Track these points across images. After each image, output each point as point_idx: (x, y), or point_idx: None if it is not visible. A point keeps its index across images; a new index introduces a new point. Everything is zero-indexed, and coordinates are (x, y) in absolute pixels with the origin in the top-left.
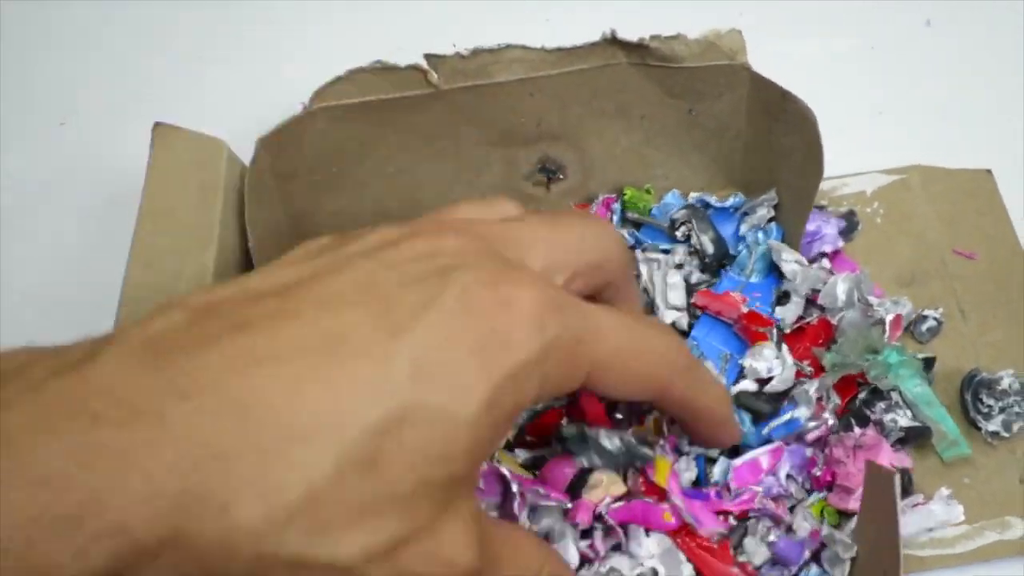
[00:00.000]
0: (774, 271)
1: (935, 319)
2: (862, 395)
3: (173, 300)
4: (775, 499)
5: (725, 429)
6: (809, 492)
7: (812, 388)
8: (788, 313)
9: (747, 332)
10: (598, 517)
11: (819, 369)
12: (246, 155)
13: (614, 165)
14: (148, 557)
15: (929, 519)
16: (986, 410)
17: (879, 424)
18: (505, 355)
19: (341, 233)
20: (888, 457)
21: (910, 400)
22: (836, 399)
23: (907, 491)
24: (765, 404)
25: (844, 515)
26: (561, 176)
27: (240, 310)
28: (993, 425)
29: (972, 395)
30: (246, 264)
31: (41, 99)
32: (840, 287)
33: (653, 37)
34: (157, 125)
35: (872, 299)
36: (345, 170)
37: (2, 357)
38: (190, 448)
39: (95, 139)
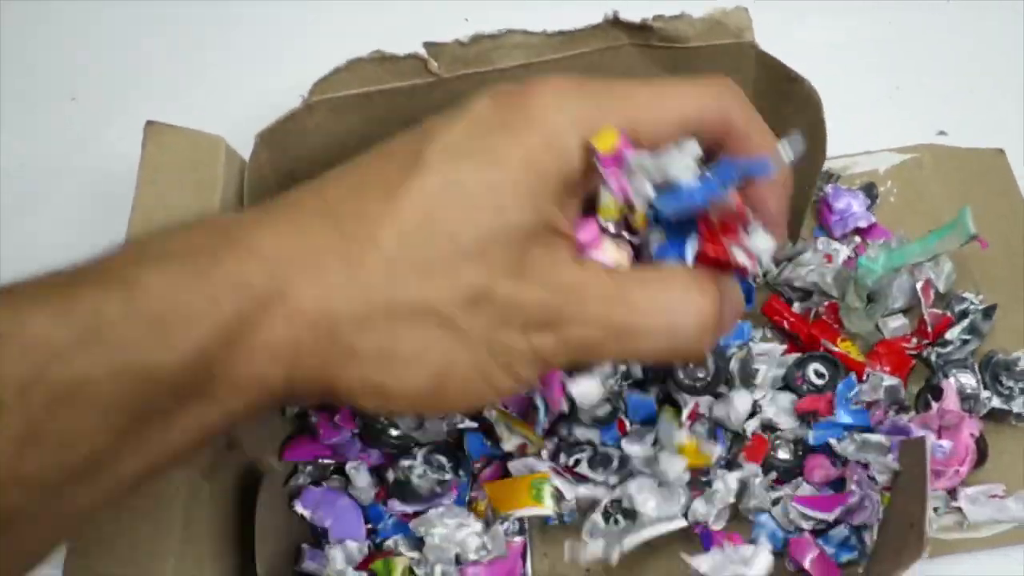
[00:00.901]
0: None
1: (967, 299)
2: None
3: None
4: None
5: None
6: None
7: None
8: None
9: None
10: None
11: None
12: (245, 150)
13: None
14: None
15: (1003, 512)
16: (1007, 392)
17: (960, 392)
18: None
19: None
20: (970, 428)
21: (914, 253)
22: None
23: (984, 455)
24: None
25: None
26: None
27: None
28: (1017, 406)
29: (991, 377)
30: None
31: (41, 88)
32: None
33: (656, 17)
34: (149, 123)
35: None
36: (347, 161)
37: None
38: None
39: (91, 133)
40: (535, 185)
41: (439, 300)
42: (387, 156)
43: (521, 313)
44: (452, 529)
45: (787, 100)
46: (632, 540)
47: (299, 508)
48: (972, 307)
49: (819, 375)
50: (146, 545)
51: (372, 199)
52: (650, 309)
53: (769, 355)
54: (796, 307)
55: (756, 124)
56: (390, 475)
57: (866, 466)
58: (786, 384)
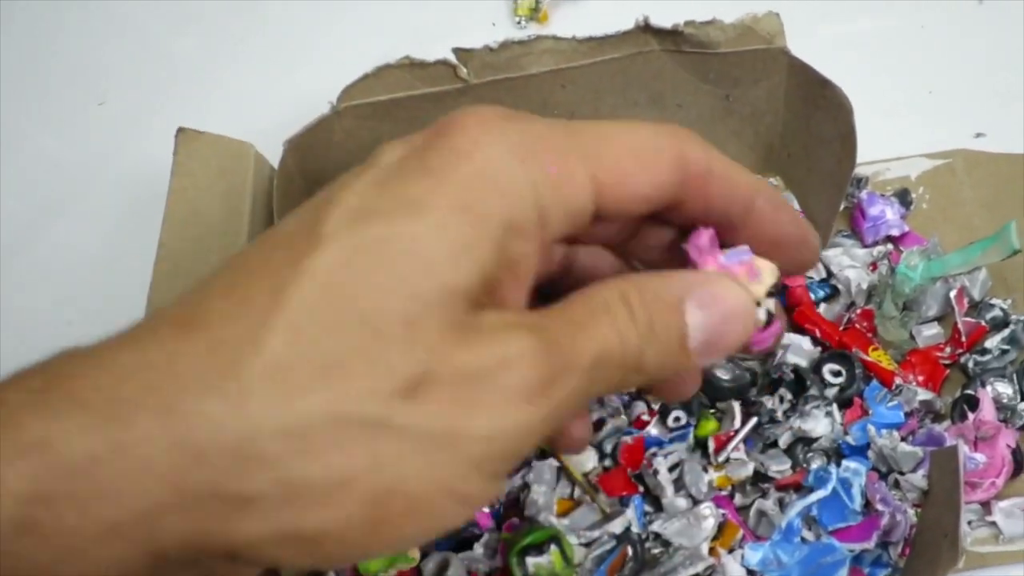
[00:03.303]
0: None
1: (1001, 309)
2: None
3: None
4: None
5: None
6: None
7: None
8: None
9: None
10: None
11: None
12: (273, 156)
13: None
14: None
15: None
16: None
17: (996, 402)
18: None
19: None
20: (1007, 439)
21: (954, 265)
22: (924, 396)
23: (1021, 467)
24: None
25: None
26: None
27: None
28: None
29: None
30: None
31: (71, 92)
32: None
33: (687, 23)
34: (180, 131)
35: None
36: None
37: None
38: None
39: (120, 137)
40: (472, 232)
41: (359, 400)
42: (274, 240)
43: None
44: None
45: (818, 106)
46: None
47: None
48: (1013, 318)
49: (835, 374)
50: None
51: (255, 296)
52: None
53: (795, 347)
54: (821, 308)
55: (722, 162)
56: None
57: (885, 476)
58: (807, 384)
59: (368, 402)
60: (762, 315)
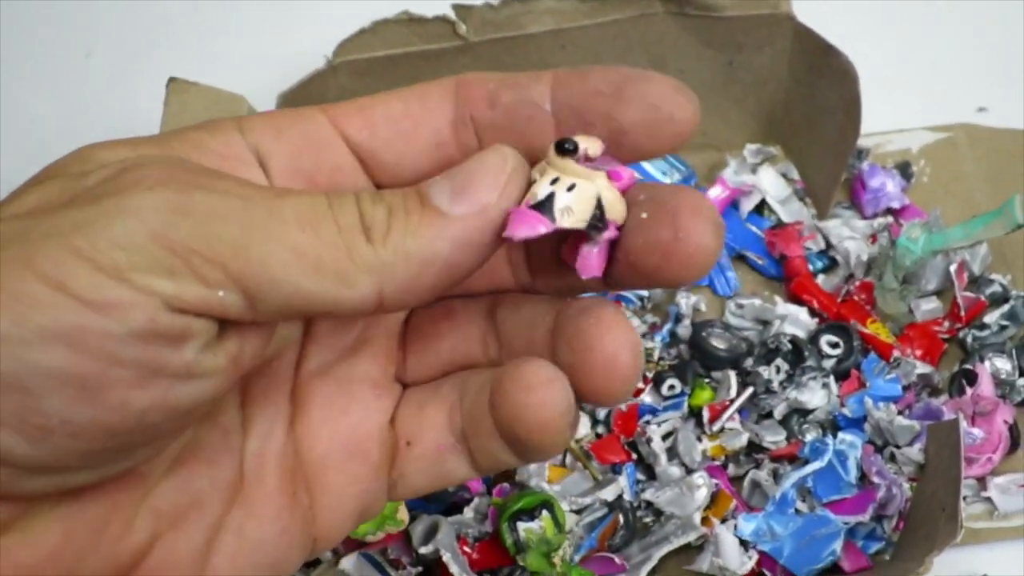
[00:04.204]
0: None
1: (1001, 284)
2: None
3: None
4: None
5: None
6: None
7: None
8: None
9: None
10: None
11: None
12: (266, 109)
13: None
14: None
15: None
16: None
17: (994, 377)
18: None
19: None
20: (1004, 415)
21: (955, 238)
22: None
23: (1017, 443)
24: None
25: None
26: None
27: None
28: None
29: None
30: None
31: (55, 44)
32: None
33: None
34: (172, 80)
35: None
36: None
37: None
38: None
39: (106, 91)
40: None
41: None
42: None
43: None
44: None
45: (822, 74)
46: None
47: None
48: (1013, 294)
49: (833, 345)
50: None
51: None
52: None
53: (792, 317)
54: (820, 280)
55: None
56: None
57: (881, 450)
58: (804, 355)
59: None
60: (542, 192)
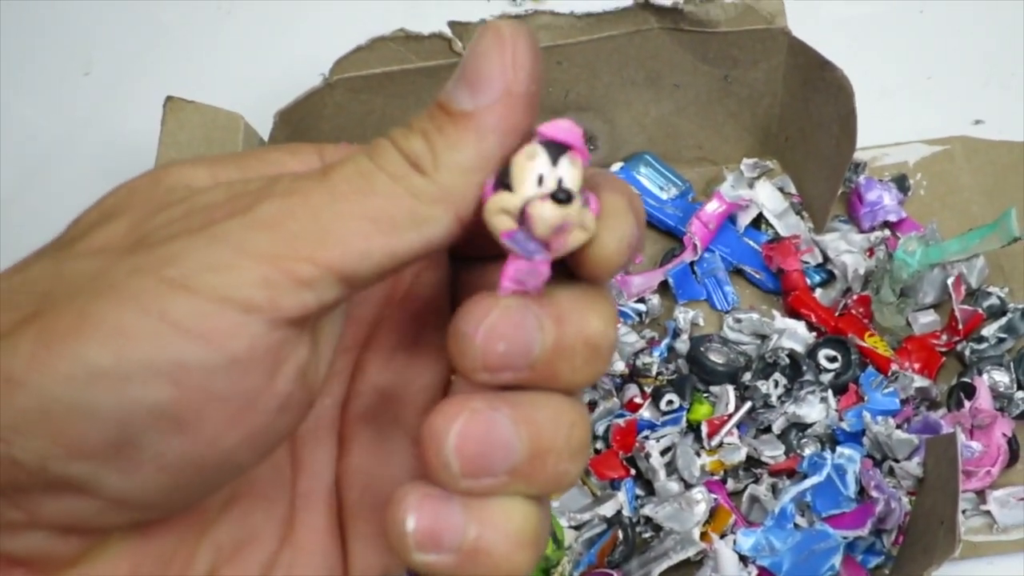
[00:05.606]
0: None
1: (998, 297)
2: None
3: None
4: None
5: None
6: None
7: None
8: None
9: None
10: None
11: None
12: (264, 128)
13: (643, 136)
14: None
15: None
16: None
17: (993, 390)
18: None
19: None
20: (1003, 428)
21: (952, 251)
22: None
23: (1016, 456)
24: None
25: None
26: (592, 147)
27: None
28: None
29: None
30: None
31: (54, 61)
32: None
33: (687, 1)
34: (169, 99)
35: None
36: (366, 143)
37: None
38: None
39: (104, 108)
40: None
41: None
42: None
43: None
44: None
45: (817, 88)
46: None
47: None
48: (1011, 307)
49: (831, 359)
50: None
51: None
52: None
53: (790, 331)
54: (817, 294)
55: None
56: None
57: (880, 464)
58: (802, 369)
59: None
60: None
